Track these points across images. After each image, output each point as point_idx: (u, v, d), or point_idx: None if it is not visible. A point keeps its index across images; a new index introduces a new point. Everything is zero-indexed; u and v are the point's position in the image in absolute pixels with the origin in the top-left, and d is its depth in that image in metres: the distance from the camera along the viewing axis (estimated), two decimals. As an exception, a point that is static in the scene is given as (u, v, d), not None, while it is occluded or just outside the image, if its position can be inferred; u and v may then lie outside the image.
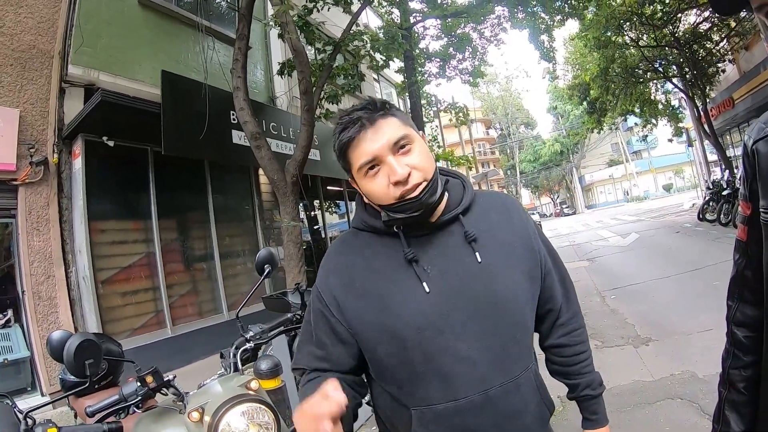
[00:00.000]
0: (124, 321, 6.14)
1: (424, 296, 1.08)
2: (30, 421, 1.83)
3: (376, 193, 1.09)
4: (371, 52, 8.16)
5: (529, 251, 1.22)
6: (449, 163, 15.62)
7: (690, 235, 12.29)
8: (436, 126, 19.42)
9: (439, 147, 16.72)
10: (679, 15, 15.77)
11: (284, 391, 2.38)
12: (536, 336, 1.29)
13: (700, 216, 13.76)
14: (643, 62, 18.02)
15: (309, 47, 7.36)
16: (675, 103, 21.50)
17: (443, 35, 12.37)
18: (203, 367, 6.04)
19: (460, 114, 13.53)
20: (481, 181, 29.44)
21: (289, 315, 2.92)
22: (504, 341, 1.10)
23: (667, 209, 23.61)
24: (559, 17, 11.61)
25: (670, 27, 16.07)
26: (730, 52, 16.56)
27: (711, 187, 13.75)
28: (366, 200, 1.20)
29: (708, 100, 17.38)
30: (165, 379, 1.99)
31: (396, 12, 11.73)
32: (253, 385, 2.03)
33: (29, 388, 5.28)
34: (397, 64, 11.38)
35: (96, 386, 2.40)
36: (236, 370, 2.28)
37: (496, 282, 1.12)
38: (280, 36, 6.82)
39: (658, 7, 15.78)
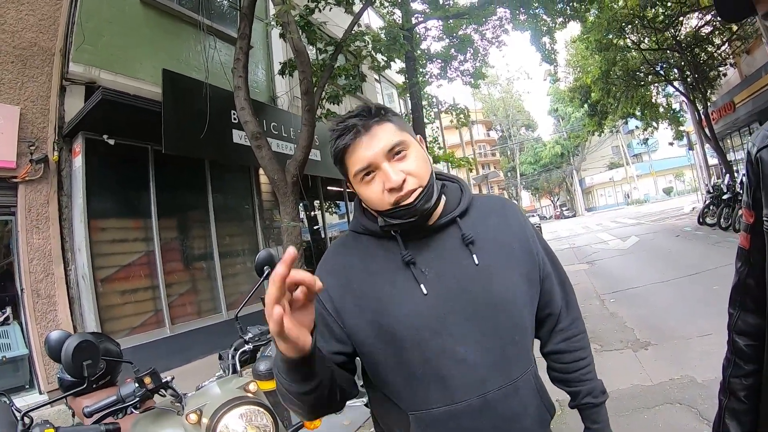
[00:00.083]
0: (123, 320, 6.13)
1: (421, 298, 1.08)
2: (27, 420, 1.83)
3: (372, 199, 1.10)
4: (373, 52, 8.15)
5: (527, 254, 1.21)
6: (450, 164, 15.62)
7: (690, 239, 12.28)
8: (437, 127, 19.40)
9: (440, 148, 16.71)
10: (681, 18, 15.78)
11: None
12: (537, 342, 1.28)
13: (700, 220, 13.75)
14: (645, 65, 18.02)
15: (310, 47, 7.36)
16: (676, 106, 21.50)
17: (445, 36, 12.35)
18: (202, 367, 6.03)
19: (461, 115, 13.52)
20: (482, 183, 29.44)
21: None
22: (503, 343, 1.10)
23: (667, 213, 23.61)
24: (560, 19, 11.59)
25: (672, 30, 16.08)
26: (731, 56, 16.56)
27: (711, 191, 13.73)
28: (364, 204, 1.20)
29: (709, 104, 17.38)
30: (163, 381, 1.99)
31: (398, 13, 11.71)
32: (252, 387, 2.03)
33: (27, 386, 5.28)
34: (398, 64, 11.36)
35: (94, 386, 2.40)
36: (235, 371, 2.28)
37: (494, 284, 1.12)
38: (282, 36, 6.81)
39: (660, 11, 15.79)
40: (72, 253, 5.74)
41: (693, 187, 34.16)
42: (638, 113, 20.70)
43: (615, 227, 21.63)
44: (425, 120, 13.41)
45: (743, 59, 16.14)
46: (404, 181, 1.05)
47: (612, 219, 28.91)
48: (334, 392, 1.00)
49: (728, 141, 19.51)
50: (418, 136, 1.19)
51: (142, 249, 6.53)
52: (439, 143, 17.42)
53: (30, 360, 5.28)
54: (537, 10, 10.93)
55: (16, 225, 5.36)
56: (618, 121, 23.95)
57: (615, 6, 14.63)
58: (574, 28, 17.84)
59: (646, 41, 17.31)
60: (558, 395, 1.26)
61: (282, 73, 7.79)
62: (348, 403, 1.14)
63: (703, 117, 17.10)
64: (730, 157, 18.45)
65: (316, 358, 0.89)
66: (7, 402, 2.25)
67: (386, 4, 11.23)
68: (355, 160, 1.08)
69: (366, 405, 1.27)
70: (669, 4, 15.29)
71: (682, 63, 16.96)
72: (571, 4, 11.13)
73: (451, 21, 11.49)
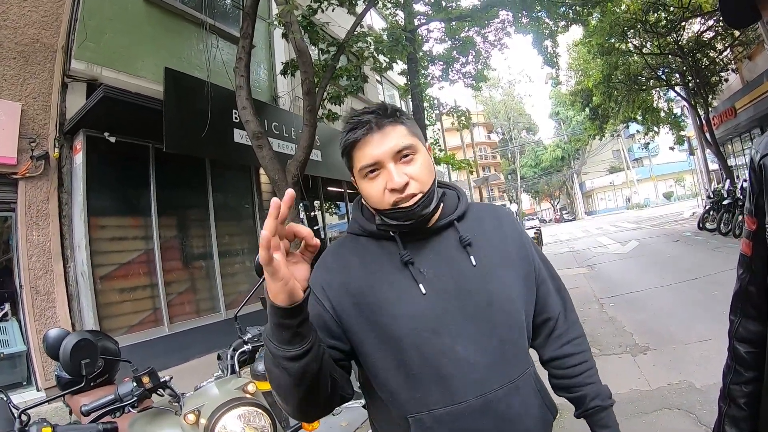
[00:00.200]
0: (122, 318, 6.13)
1: (420, 297, 1.08)
2: (25, 418, 1.82)
3: (372, 196, 1.11)
4: (375, 53, 8.16)
5: (523, 258, 1.24)
6: (450, 166, 15.61)
7: (690, 244, 12.29)
8: (438, 129, 19.41)
9: (440, 150, 16.71)
10: (683, 23, 15.78)
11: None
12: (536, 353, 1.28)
13: (700, 225, 13.75)
14: (647, 70, 18.02)
15: (313, 47, 7.36)
16: (677, 111, 21.51)
17: (447, 38, 12.35)
18: (200, 366, 6.02)
19: (462, 118, 13.52)
20: (482, 185, 29.46)
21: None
22: (501, 343, 1.10)
23: (667, 217, 23.60)
24: (563, 23, 11.59)
25: (674, 35, 16.08)
26: (733, 62, 16.58)
27: (711, 196, 13.73)
28: (363, 202, 1.22)
29: (710, 109, 17.39)
30: (161, 380, 1.99)
31: (400, 14, 11.72)
32: (250, 388, 2.02)
33: (24, 383, 5.28)
34: (400, 66, 11.37)
35: (91, 384, 2.40)
36: (233, 372, 2.27)
37: (491, 284, 1.13)
38: (284, 35, 6.81)
39: (662, 15, 15.80)
40: (71, 250, 5.74)
41: (693, 192, 34.25)
42: (639, 117, 20.70)
43: (615, 231, 21.63)
44: (426, 122, 13.41)
45: (745, 65, 16.16)
46: (407, 184, 1.07)
47: (612, 223, 28.90)
48: (326, 380, 0.98)
49: (729, 146, 19.52)
50: (427, 143, 1.20)
51: (141, 247, 6.52)
52: (440, 145, 17.42)
53: (28, 357, 5.27)
54: (539, 14, 10.95)
55: (16, 221, 5.36)
56: (619, 126, 23.90)
57: (617, 10, 14.61)
58: (576, 31, 17.84)
59: (648, 46, 17.32)
60: (557, 401, 1.25)
61: (284, 73, 7.79)
62: (345, 404, 1.13)
63: (704, 122, 17.11)
64: (731, 162, 18.46)
65: (307, 322, 0.89)
66: (5, 399, 2.25)
67: (389, 5, 11.26)
68: (362, 155, 1.09)
69: (363, 407, 1.27)
70: (671, 8, 15.30)
71: (684, 68, 16.98)
72: (573, 7, 11.14)
73: (453, 23, 11.48)
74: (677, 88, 18.88)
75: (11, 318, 5.36)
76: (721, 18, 14.47)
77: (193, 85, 6.31)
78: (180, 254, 7.15)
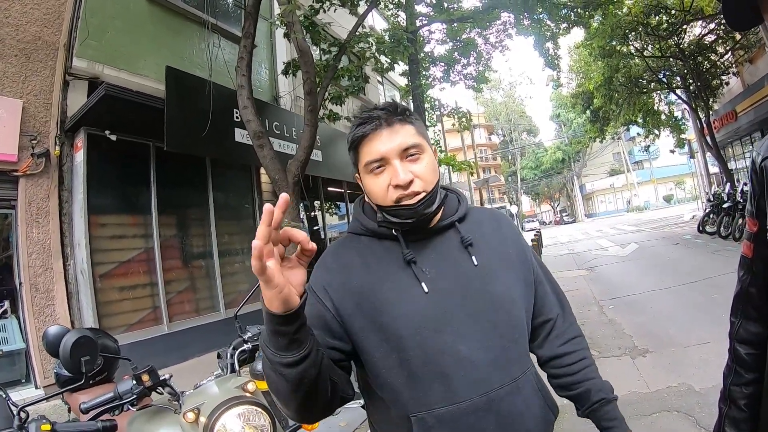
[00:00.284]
0: (121, 316, 6.12)
1: (422, 296, 1.09)
2: (23, 415, 1.82)
3: (376, 192, 1.12)
4: (376, 54, 8.16)
5: (522, 261, 1.25)
6: (451, 167, 15.62)
7: (689, 247, 12.29)
8: (439, 130, 19.42)
9: (441, 151, 16.71)
10: (685, 26, 15.81)
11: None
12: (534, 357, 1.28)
13: (700, 228, 13.75)
14: (648, 72, 18.05)
15: (314, 48, 7.36)
16: (678, 114, 21.56)
17: (448, 40, 12.37)
18: (199, 365, 6.02)
19: (463, 119, 13.53)
20: (482, 187, 29.43)
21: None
22: (503, 342, 1.11)
23: (667, 220, 23.60)
24: (564, 25, 11.61)
25: (675, 38, 16.11)
26: (734, 65, 16.60)
27: (712, 199, 13.74)
28: (366, 199, 1.23)
29: (711, 112, 17.41)
30: (161, 378, 1.98)
31: (402, 15, 11.74)
32: (250, 387, 2.02)
33: (23, 380, 5.27)
34: (401, 67, 11.38)
35: (91, 382, 2.40)
36: (233, 371, 2.27)
37: (492, 284, 1.14)
38: (286, 35, 6.81)
39: (664, 18, 15.83)
40: (71, 248, 5.73)
41: (693, 195, 34.24)
42: (640, 120, 20.74)
43: (615, 234, 21.63)
44: (427, 123, 13.41)
45: (746, 68, 16.17)
46: (411, 181, 1.08)
47: (612, 225, 28.91)
48: (325, 384, 0.97)
49: (729, 150, 19.53)
50: (433, 146, 1.21)
51: (141, 245, 6.52)
52: (440, 146, 17.42)
53: (27, 354, 5.27)
54: (541, 16, 10.96)
55: (16, 218, 5.35)
56: (620, 128, 23.97)
57: (619, 13, 14.64)
58: (578, 33, 17.88)
59: (649, 48, 17.35)
60: (558, 401, 1.25)
61: (285, 72, 7.79)
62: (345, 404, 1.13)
63: (704, 125, 17.14)
64: (731, 165, 18.48)
65: (304, 327, 0.88)
66: (4, 396, 2.25)
67: (391, 6, 11.27)
68: (369, 150, 1.11)
69: (362, 407, 1.26)
70: (673, 12, 15.33)
71: (685, 71, 17.01)
72: (575, 10, 11.15)
73: (455, 24, 11.50)
74: (678, 91, 18.91)
75: (10, 315, 5.35)
76: (722, 21, 14.57)
77: (195, 84, 6.31)
78: (180, 253, 7.14)
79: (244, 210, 8.55)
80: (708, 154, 19.36)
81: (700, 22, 15.71)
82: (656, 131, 21.55)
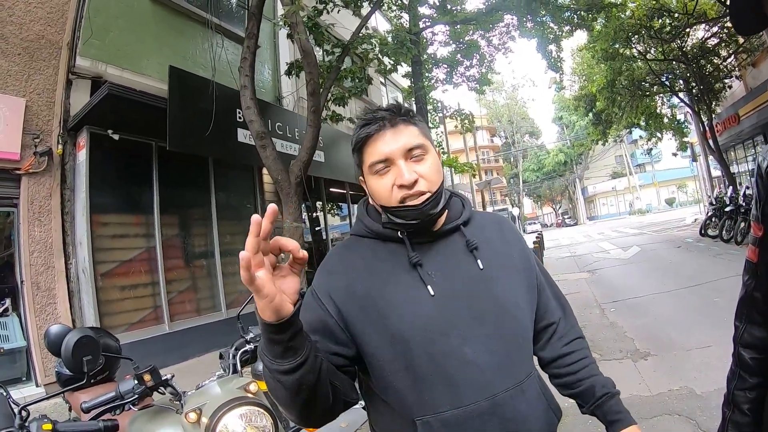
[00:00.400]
0: (122, 315, 6.13)
1: (428, 299, 1.08)
2: (25, 414, 1.82)
3: (381, 192, 1.12)
4: (380, 55, 8.16)
5: (525, 266, 1.26)
6: (453, 169, 15.61)
7: (691, 251, 12.26)
8: (441, 132, 19.43)
9: (444, 153, 16.71)
10: (688, 30, 15.78)
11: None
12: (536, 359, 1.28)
13: (702, 231, 13.72)
14: (650, 75, 18.01)
15: (317, 49, 7.37)
16: (680, 117, 21.49)
17: (451, 41, 12.37)
18: (199, 365, 6.03)
19: (466, 121, 13.53)
20: (484, 189, 29.39)
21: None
22: (508, 346, 1.10)
23: (669, 223, 23.56)
24: (567, 28, 11.60)
25: (678, 41, 16.08)
26: (737, 68, 16.55)
27: (714, 202, 13.71)
28: (370, 201, 1.22)
29: (713, 116, 17.37)
30: (163, 378, 1.98)
31: (405, 17, 11.74)
32: (252, 387, 2.02)
33: (24, 378, 5.28)
34: (404, 68, 11.38)
35: (92, 381, 2.39)
36: (235, 371, 2.27)
37: (497, 287, 1.14)
38: (289, 36, 6.82)
39: (667, 21, 15.79)
40: (73, 246, 5.75)
41: (695, 198, 34.20)
42: (643, 123, 20.72)
43: (616, 237, 21.60)
44: (430, 125, 13.41)
45: (749, 72, 16.14)
46: (416, 181, 1.08)
47: (614, 228, 28.88)
48: (325, 390, 0.97)
49: (732, 153, 19.49)
50: (436, 148, 1.21)
51: (143, 245, 6.53)
52: (443, 148, 17.42)
53: (28, 352, 5.28)
54: (544, 18, 10.94)
55: (18, 217, 5.36)
56: (622, 131, 23.95)
57: (622, 16, 14.63)
58: (581, 36, 17.87)
59: (652, 51, 17.32)
60: (561, 402, 1.24)
61: (289, 73, 7.80)
62: None
63: (707, 128, 17.09)
64: (734, 169, 18.43)
65: (300, 335, 0.88)
66: (5, 394, 2.25)
67: (394, 7, 11.27)
68: (373, 151, 1.11)
69: (363, 408, 1.26)
70: (676, 15, 15.31)
71: (688, 74, 16.99)
72: (578, 12, 11.14)
73: (458, 26, 11.50)
74: (681, 95, 18.89)
75: (12, 313, 5.36)
76: (725, 25, 14.57)
77: (198, 84, 6.32)
78: (182, 253, 7.15)
79: (246, 210, 8.55)
80: (710, 157, 19.30)
81: (703, 25, 15.67)
82: (659, 134, 21.53)
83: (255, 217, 0.78)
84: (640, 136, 28.59)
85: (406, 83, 13.33)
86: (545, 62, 12.02)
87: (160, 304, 6.52)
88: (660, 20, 15.74)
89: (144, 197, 6.58)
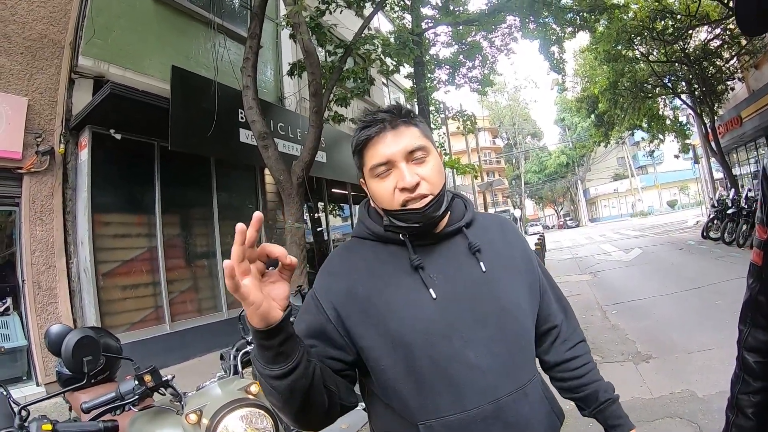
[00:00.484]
0: (123, 315, 6.13)
1: (430, 302, 1.07)
2: (25, 414, 1.82)
3: (382, 195, 1.10)
4: (382, 56, 8.16)
5: (528, 268, 1.25)
6: (455, 170, 15.61)
7: (693, 253, 12.23)
8: (444, 133, 19.42)
9: (445, 154, 16.71)
10: (690, 31, 15.76)
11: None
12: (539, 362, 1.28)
13: (704, 234, 13.68)
14: (653, 77, 18.00)
15: (320, 49, 7.37)
16: (683, 119, 21.50)
17: (454, 42, 12.37)
18: (200, 365, 6.03)
19: (468, 122, 13.53)
20: (486, 190, 29.39)
21: (291, 318, 2.90)
22: (511, 349, 1.09)
23: (671, 226, 23.51)
24: (570, 29, 11.59)
25: (681, 43, 16.06)
26: (739, 70, 16.55)
27: (716, 205, 13.68)
28: (372, 203, 1.21)
29: (716, 118, 17.35)
30: (163, 379, 1.98)
31: (408, 17, 11.76)
32: (253, 389, 2.01)
33: (24, 377, 5.28)
34: (406, 69, 11.38)
35: (92, 381, 2.39)
36: (236, 372, 2.27)
37: (500, 290, 1.13)
38: (292, 36, 6.83)
39: (670, 23, 15.78)
40: (74, 246, 5.75)
41: (697, 200, 34.16)
42: (645, 125, 20.71)
43: (618, 239, 21.56)
44: (432, 126, 13.41)
45: (751, 74, 16.13)
46: (418, 184, 1.06)
47: (615, 230, 28.83)
48: (320, 395, 0.96)
49: (734, 155, 19.48)
50: (439, 149, 1.20)
51: (144, 245, 6.53)
52: (445, 149, 17.41)
53: (28, 351, 5.28)
54: (547, 20, 10.95)
55: (20, 216, 5.37)
56: (624, 133, 23.91)
57: (625, 17, 14.60)
58: (583, 38, 17.86)
59: (654, 53, 17.30)
60: (563, 405, 1.24)
61: (291, 73, 7.81)
62: None
63: (709, 131, 17.08)
64: (736, 171, 18.41)
65: (291, 340, 0.88)
66: (5, 394, 2.24)
67: (396, 8, 11.28)
68: (374, 154, 1.09)
69: (364, 409, 1.25)
70: (678, 17, 15.29)
71: (690, 76, 16.97)
72: (581, 14, 11.13)
73: (460, 27, 11.50)
74: (683, 96, 18.87)
75: (13, 312, 5.36)
76: (728, 27, 14.54)
77: (200, 84, 6.32)
78: (183, 253, 7.16)
79: (248, 210, 8.55)
80: (712, 159, 19.29)
81: (705, 27, 15.66)
82: (661, 136, 21.50)
83: (240, 226, 0.77)
84: (642, 138, 28.60)
85: (408, 84, 13.33)
86: (548, 64, 12.03)
87: (161, 304, 6.52)
88: (662, 22, 15.73)
89: (146, 197, 6.59)
